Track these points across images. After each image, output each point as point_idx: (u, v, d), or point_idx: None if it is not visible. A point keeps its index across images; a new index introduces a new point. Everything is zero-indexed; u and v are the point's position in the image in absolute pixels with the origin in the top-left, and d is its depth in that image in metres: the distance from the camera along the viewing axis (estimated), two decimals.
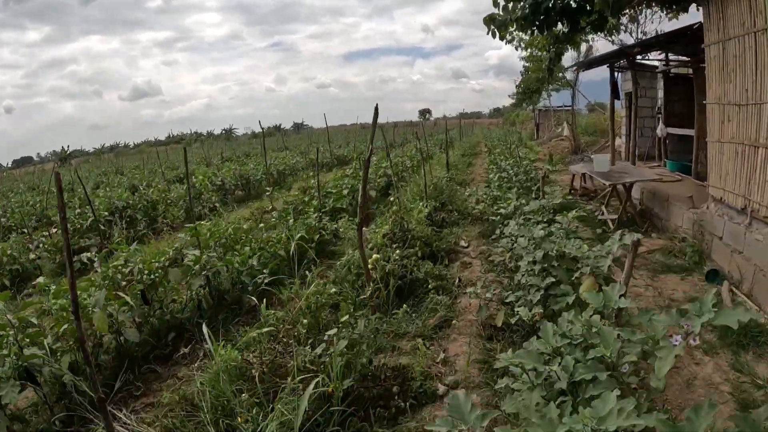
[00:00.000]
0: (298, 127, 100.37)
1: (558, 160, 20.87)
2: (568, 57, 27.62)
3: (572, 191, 13.26)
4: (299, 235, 7.06)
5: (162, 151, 69.78)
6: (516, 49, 26.87)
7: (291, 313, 5.32)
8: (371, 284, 4.88)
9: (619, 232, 3.78)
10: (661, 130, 13.28)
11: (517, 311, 4.25)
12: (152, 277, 5.88)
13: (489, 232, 8.87)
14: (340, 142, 44.23)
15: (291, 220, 8.12)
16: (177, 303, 6.20)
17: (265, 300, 5.59)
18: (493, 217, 8.00)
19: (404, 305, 5.65)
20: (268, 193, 14.49)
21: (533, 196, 8.14)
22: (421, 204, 9.37)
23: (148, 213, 12.65)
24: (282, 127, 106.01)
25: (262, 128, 16.25)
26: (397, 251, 6.59)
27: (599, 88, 39.03)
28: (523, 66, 37.72)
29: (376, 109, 3.96)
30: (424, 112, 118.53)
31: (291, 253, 6.72)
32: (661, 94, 15.37)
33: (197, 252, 6.00)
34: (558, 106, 36.58)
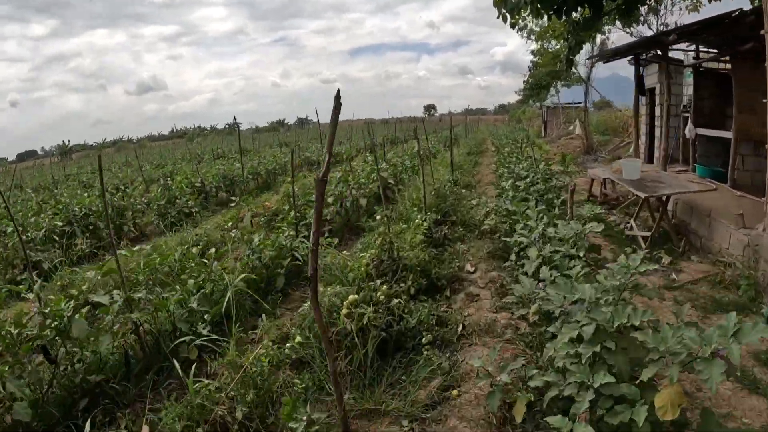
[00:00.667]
0: (302, 122, 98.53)
1: (570, 160, 19.30)
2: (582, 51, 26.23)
3: (590, 197, 11.72)
4: (239, 279, 5.45)
5: (163, 146, 68.84)
6: (526, 40, 25.36)
7: (231, 381, 3.86)
8: (333, 359, 3.36)
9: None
10: (689, 130, 11.72)
11: (548, 420, 2.75)
12: (59, 325, 4.40)
13: (500, 252, 7.37)
14: (340, 138, 42.73)
15: (257, 238, 6.60)
16: (97, 356, 4.71)
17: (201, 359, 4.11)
18: (507, 238, 6.48)
19: (388, 371, 4.16)
20: (252, 196, 13.08)
21: (555, 210, 6.60)
22: (419, 217, 7.86)
23: (114, 221, 11.16)
24: (286, 122, 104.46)
25: (237, 123, 14.79)
26: (384, 287, 5.09)
27: (608, 85, 37.37)
28: (531, 61, 36.21)
29: (337, 97, 2.40)
30: (429, 108, 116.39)
31: (226, 303, 5.14)
32: (687, 90, 13.83)
33: (115, 294, 4.50)
34: (567, 103, 34.90)
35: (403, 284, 5.40)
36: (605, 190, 11.33)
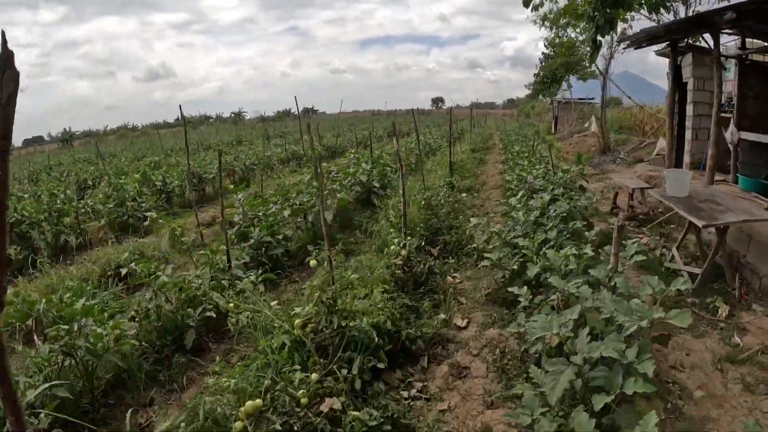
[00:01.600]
0: (308, 112, 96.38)
1: (586, 160, 17.27)
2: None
3: (614, 209, 9.74)
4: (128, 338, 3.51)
5: (165, 134, 66.95)
6: (539, 27, 23.22)
7: None
8: None
9: None
10: (732, 134, 9.70)
11: None
12: None
13: (503, 297, 5.40)
14: (344, 128, 40.94)
15: (164, 276, 4.64)
16: None
17: None
18: (513, 289, 4.50)
19: None
20: (227, 196, 11.24)
21: (587, 249, 4.58)
22: (395, 242, 5.89)
23: (52, 228, 9.27)
24: (292, 111, 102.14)
25: (183, 116, 12.78)
26: (313, 376, 3.17)
27: (618, 82, 35.12)
28: (543, 53, 34.06)
29: None
30: (437, 101, 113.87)
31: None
32: (727, 87, 11.81)
33: None
34: (579, 99, 32.73)
35: (347, 368, 3.43)
36: (632, 202, 9.34)
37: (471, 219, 7.15)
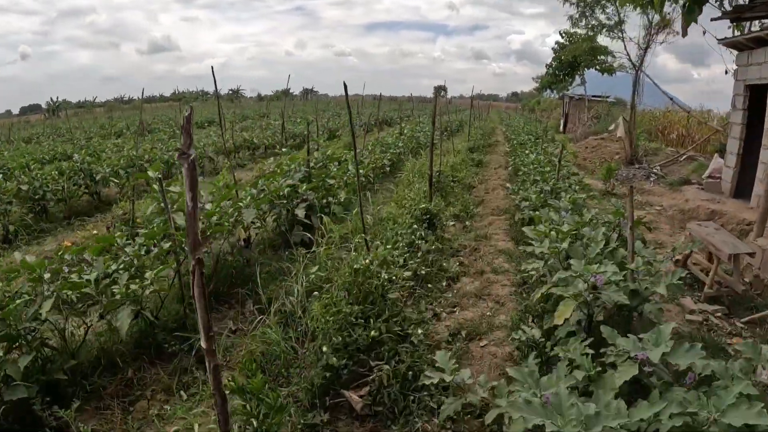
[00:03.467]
0: (307, 92, 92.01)
1: (613, 172, 13.67)
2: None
3: (684, 269, 6.09)
4: None
5: (157, 108, 62.98)
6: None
7: None
8: None
9: None
10: None
11: None
12: None
13: None
14: (340, 111, 37.33)
15: None
16: None
17: None
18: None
19: None
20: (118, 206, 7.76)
21: None
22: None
23: None
24: (291, 91, 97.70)
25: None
26: None
27: (619, 81, 30.72)
28: (557, 43, 30.21)
29: None
30: (439, 89, 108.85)
31: None
32: None
33: None
34: (594, 96, 28.88)
35: None
36: (720, 277, 5.69)
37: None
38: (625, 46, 15.75)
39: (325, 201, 7.00)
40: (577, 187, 7.55)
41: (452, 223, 7.73)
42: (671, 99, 14.61)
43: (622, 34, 15.86)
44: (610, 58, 17.42)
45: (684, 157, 14.30)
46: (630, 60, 15.73)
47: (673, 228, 8.99)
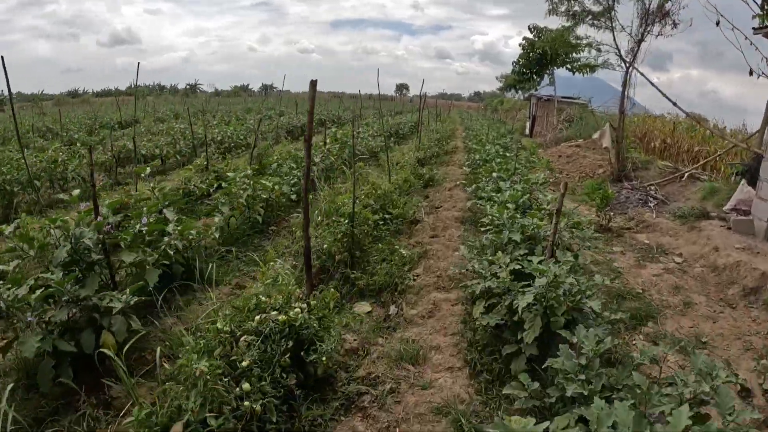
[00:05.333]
0: (267, 88, 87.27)
1: (593, 188, 10.43)
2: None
3: None
4: None
5: (104, 102, 57.80)
6: None
7: None
8: None
9: None
10: None
11: None
12: None
13: None
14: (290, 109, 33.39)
15: None
16: None
17: None
18: None
19: None
20: None
21: None
22: None
23: None
24: (249, 87, 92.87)
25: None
26: None
27: (586, 86, 27.48)
28: (525, 39, 27.00)
29: None
30: (401, 87, 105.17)
31: None
32: None
33: None
34: (565, 97, 25.78)
35: None
36: None
37: None
38: (614, 37, 12.48)
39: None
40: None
41: (353, 337, 4.19)
42: (674, 104, 11.40)
43: (612, 23, 12.59)
44: (593, 53, 14.21)
45: (685, 175, 11.13)
46: (619, 54, 12.48)
47: (711, 303, 5.69)
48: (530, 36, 25.96)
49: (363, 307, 4.61)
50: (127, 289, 3.72)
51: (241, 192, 6.12)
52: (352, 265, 5.10)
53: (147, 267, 4.12)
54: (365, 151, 12.67)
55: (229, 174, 6.99)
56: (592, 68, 14.77)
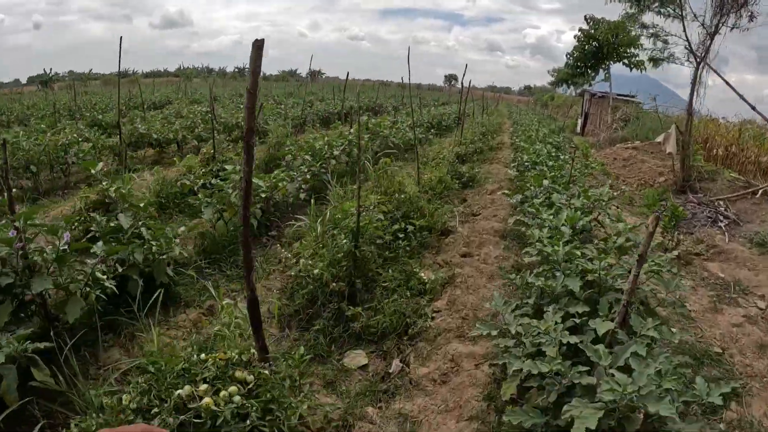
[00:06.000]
0: (313, 74, 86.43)
1: (653, 200, 8.97)
2: None
3: None
4: None
5: (154, 83, 58.08)
6: None
7: None
8: None
9: None
10: None
11: None
12: None
13: None
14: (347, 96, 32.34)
15: None
16: None
17: None
18: None
19: None
20: None
21: None
22: None
23: None
24: (297, 72, 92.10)
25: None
26: None
27: (635, 84, 25.26)
28: (580, 30, 25.10)
29: None
30: (450, 78, 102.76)
31: None
32: None
33: None
34: (620, 94, 23.82)
35: None
36: None
37: None
38: (684, 28, 10.84)
39: None
40: None
41: (333, 404, 2.95)
42: (753, 108, 9.71)
43: (682, 10, 10.92)
44: (659, 45, 12.51)
45: (759, 190, 9.48)
46: (689, 47, 10.82)
47: None
48: (586, 27, 24.08)
49: (356, 358, 3.45)
50: (22, 328, 2.67)
51: (229, 191, 5.01)
52: (352, 297, 3.93)
53: (71, 296, 3.06)
54: (400, 143, 11.45)
55: (227, 167, 5.90)
56: (657, 62, 12.98)
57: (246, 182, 2.40)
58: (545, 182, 6.10)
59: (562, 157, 9.12)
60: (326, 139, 8.53)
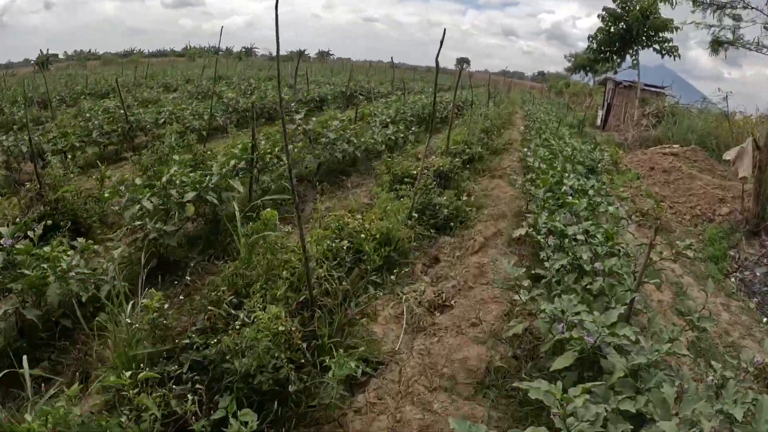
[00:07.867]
0: (323, 55, 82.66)
1: (720, 249, 6.01)
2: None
3: None
4: None
5: (159, 62, 55.05)
6: None
7: None
8: None
9: None
10: None
11: None
12: None
13: None
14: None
15: None
16: None
17: None
18: None
19: None
20: None
21: None
22: None
23: None
24: (306, 52, 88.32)
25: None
26: None
27: (652, 75, 21.85)
28: (604, 9, 21.69)
29: None
30: (461, 62, 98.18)
31: None
32: None
33: None
34: (648, 85, 20.50)
35: None
36: None
37: None
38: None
39: None
40: None
41: None
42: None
43: None
44: (727, 22, 9.37)
45: None
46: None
47: None
48: (612, 6, 20.69)
49: None
50: None
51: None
52: None
53: None
54: (359, 152, 8.42)
55: None
56: (717, 47, 9.79)
57: None
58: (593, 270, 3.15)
59: (596, 185, 6.10)
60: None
